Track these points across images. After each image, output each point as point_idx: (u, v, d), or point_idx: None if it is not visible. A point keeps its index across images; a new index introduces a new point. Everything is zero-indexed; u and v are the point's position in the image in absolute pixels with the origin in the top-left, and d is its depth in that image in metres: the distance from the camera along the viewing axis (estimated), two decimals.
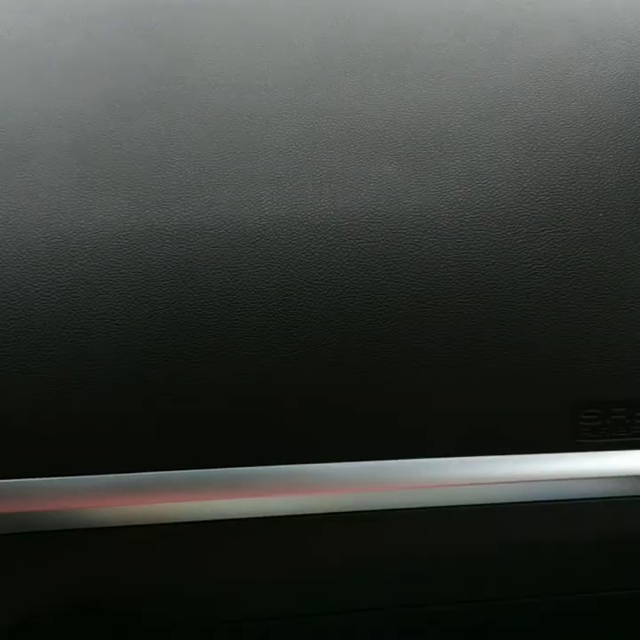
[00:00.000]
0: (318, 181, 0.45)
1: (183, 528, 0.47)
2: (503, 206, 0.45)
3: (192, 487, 0.46)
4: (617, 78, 0.49)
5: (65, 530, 0.46)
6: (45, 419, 0.44)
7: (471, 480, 0.47)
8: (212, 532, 0.48)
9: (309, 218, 0.44)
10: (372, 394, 0.45)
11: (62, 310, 0.43)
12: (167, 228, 0.44)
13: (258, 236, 0.44)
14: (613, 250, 0.46)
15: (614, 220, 0.46)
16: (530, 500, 0.48)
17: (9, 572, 0.48)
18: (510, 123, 0.47)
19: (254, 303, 0.44)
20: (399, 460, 0.46)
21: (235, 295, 0.44)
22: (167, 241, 0.44)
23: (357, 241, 0.44)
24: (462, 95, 0.48)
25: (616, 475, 0.48)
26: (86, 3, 0.54)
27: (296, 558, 0.51)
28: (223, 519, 0.47)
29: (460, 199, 0.45)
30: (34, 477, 0.45)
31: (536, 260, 0.45)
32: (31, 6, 0.53)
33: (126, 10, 0.53)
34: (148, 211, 0.44)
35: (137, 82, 0.48)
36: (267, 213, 0.44)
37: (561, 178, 0.46)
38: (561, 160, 0.46)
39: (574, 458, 0.47)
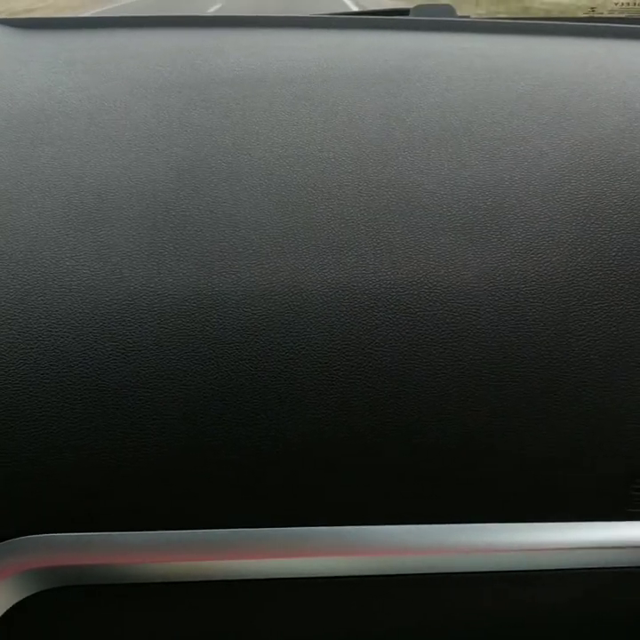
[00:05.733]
0: (379, 251, 0.47)
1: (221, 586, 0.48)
2: (558, 280, 0.46)
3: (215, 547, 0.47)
4: None
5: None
6: (110, 476, 0.45)
7: (522, 546, 0.48)
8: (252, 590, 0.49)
9: (370, 286, 0.46)
10: (434, 456, 0.46)
11: (131, 370, 0.44)
12: (233, 294, 0.45)
13: (320, 303, 0.45)
14: None
15: None
16: (579, 566, 0.48)
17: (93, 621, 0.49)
18: (564, 200, 0.48)
19: (315, 367, 0.45)
20: (452, 525, 0.47)
21: (297, 359, 0.45)
22: (232, 306, 0.45)
23: (416, 309, 0.46)
24: (518, 172, 0.49)
25: None
26: (156, 75, 0.56)
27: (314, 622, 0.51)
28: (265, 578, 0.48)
29: (516, 272, 0.46)
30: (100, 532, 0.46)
31: (590, 333, 0.46)
32: (105, 77, 0.56)
33: (194, 83, 0.56)
34: (214, 276, 0.46)
35: (205, 153, 0.50)
36: (329, 281, 0.46)
37: (614, 253, 0.47)
38: (614, 236, 0.47)
39: (624, 526, 0.48)
